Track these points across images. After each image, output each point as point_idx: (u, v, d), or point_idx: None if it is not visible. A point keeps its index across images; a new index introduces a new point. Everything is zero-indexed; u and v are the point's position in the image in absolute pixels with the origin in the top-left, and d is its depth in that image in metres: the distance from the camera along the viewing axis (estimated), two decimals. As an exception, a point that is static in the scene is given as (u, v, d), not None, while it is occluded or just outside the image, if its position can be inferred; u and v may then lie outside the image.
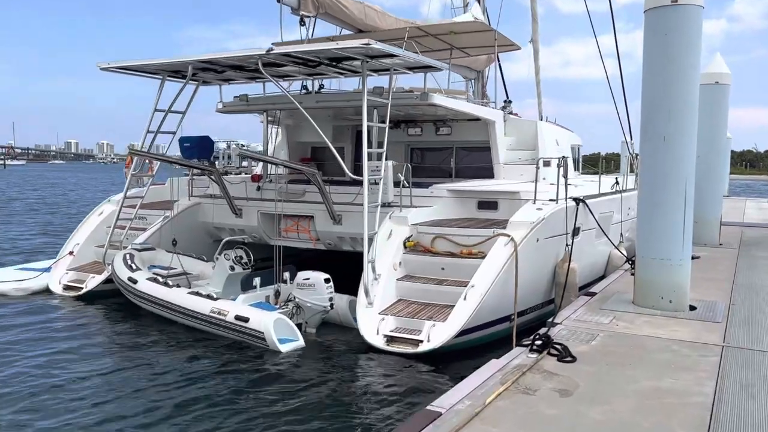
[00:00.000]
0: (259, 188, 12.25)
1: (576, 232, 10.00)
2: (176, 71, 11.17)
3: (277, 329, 8.07)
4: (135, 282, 9.73)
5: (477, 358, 8.09)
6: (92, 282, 11.04)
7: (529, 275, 8.94)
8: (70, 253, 12.04)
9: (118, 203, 12.97)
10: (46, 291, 11.34)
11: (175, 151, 12.36)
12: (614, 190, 12.10)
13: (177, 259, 10.53)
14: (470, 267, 8.60)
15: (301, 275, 8.79)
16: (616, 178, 12.30)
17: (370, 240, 8.91)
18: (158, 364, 7.75)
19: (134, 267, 10.06)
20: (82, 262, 11.89)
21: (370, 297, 8.60)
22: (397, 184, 10.04)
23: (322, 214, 10.72)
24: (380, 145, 9.81)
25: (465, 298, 8.11)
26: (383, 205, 10.25)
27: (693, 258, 12.38)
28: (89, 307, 10.42)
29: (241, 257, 9.95)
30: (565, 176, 9.56)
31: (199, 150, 11.61)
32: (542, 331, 7.09)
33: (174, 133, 11.79)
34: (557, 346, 6.38)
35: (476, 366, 6.74)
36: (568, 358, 6.06)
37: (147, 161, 11.89)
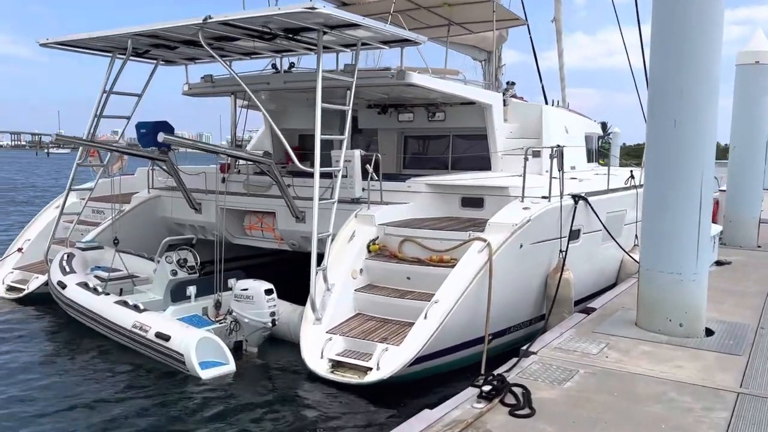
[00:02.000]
0: (224, 180, 10.97)
1: (575, 235, 8.44)
2: (133, 47, 9.94)
3: (200, 351, 6.78)
4: (64, 287, 8.57)
5: (442, 387, 6.71)
6: (34, 283, 9.95)
7: (513, 287, 7.46)
8: (19, 249, 10.99)
9: (78, 195, 11.97)
10: (-14, 291, 10.30)
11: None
12: (628, 184, 10.43)
13: (120, 259, 9.33)
14: (439, 277, 7.15)
15: (239, 284, 7.48)
16: (631, 171, 10.63)
17: (322, 243, 7.54)
18: (61, 387, 6.57)
19: (68, 269, 8.90)
20: (32, 261, 10.81)
21: (318, 312, 7.24)
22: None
23: (284, 210, 9.38)
24: (331, 131, 8.41)
25: (426, 317, 6.69)
26: (352, 201, 8.89)
27: (721, 264, 10.72)
28: (22, 313, 9.33)
29: (185, 260, 8.69)
30: (560, 169, 8.01)
31: (155, 137, 10.36)
32: (504, 367, 5.64)
33: (128, 118, 10.59)
34: (516, 390, 4.93)
35: (436, 399, 5.39)
36: (524, 411, 4.61)
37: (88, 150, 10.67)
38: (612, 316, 7.45)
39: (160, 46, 9.75)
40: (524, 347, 6.28)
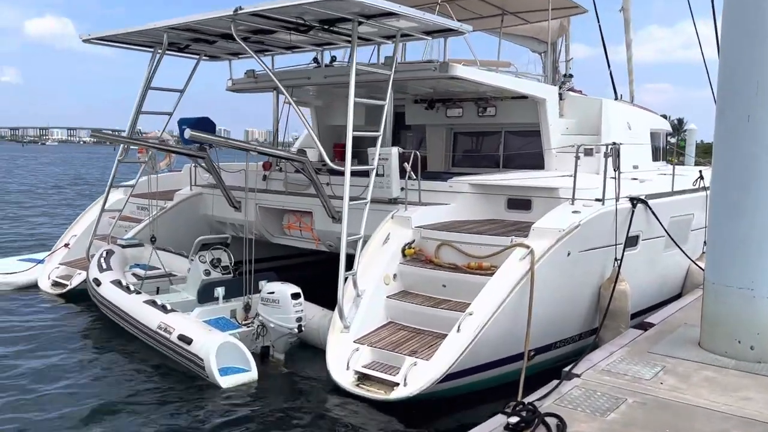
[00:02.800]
0: (265, 177, 10.71)
1: (632, 242, 7.67)
2: (173, 42, 9.80)
3: (221, 356, 6.47)
4: (99, 284, 8.47)
5: (477, 405, 6.18)
6: (77, 279, 9.95)
7: (559, 299, 6.80)
8: (66, 245, 11.07)
9: (125, 192, 11.99)
10: (35, 286, 10.41)
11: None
12: (697, 186, 9.48)
13: (158, 257, 9.19)
14: (477, 285, 6.57)
15: (266, 287, 7.12)
16: (700, 171, 9.66)
17: (353, 246, 7.09)
18: (78, 387, 6.45)
19: (104, 266, 8.81)
20: (77, 256, 10.86)
21: (346, 319, 6.80)
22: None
23: (321, 210, 8.99)
24: (376, 127, 7.93)
25: (458, 330, 6.13)
26: (389, 202, 8.41)
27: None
28: (62, 309, 9.33)
29: (219, 260, 8.43)
30: (616, 168, 7.26)
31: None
32: (541, 392, 5.03)
33: (170, 114, 10.47)
34: (550, 421, 4.34)
35: (468, 420, 4.88)
36: (556, 449, 4.01)
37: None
38: (672, 333, 6.68)
39: (199, 41, 9.54)
40: (567, 368, 5.65)
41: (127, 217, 11.40)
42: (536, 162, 10.39)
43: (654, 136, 12.09)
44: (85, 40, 9.55)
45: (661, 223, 7.93)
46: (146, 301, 7.64)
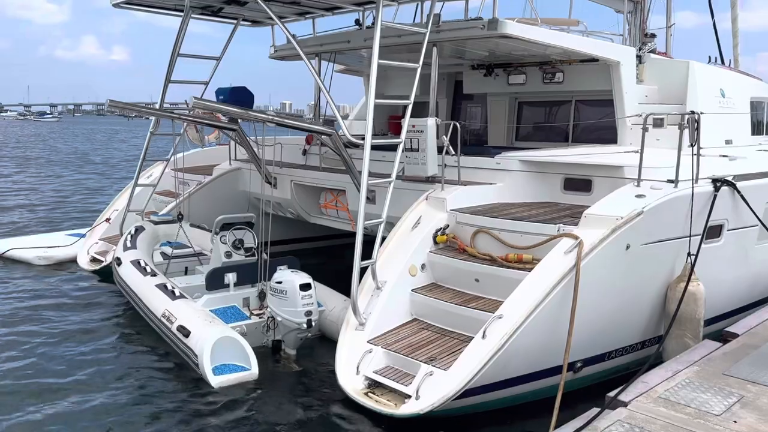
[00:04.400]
0: (305, 152, 9.96)
1: (714, 232, 6.33)
2: (208, 6, 9.16)
3: (218, 352, 5.79)
4: (120, 263, 8.04)
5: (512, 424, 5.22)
6: (111, 255, 9.65)
7: (614, 301, 5.64)
8: (107, 219, 10.82)
9: (170, 165, 11.64)
10: (74, 261, 10.22)
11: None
12: (804, 164, 7.85)
13: (186, 235, 8.69)
14: (513, 282, 5.51)
15: (276, 276, 6.37)
16: None
17: (371, 230, 6.19)
18: (72, 371, 6.03)
19: (129, 245, 8.38)
20: (117, 232, 10.56)
21: (360, 316, 5.94)
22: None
23: (353, 188, 8.13)
24: (415, 94, 6.97)
25: (484, 336, 5.13)
26: (426, 181, 7.43)
27: None
28: (92, 287, 9.02)
29: (241, 241, 7.77)
30: (693, 143, 5.93)
31: (233, 104, 9.55)
32: (576, 423, 4.01)
33: (206, 83, 9.89)
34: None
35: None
36: None
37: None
38: (759, 349, 5.39)
39: (232, 2, 8.84)
40: (613, 392, 4.55)
41: (169, 192, 11.02)
42: (611, 135, 9.04)
43: (756, 105, 10.32)
44: (114, 5, 9.06)
45: (752, 210, 6.50)
46: (158, 285, 7.09)
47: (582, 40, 8.32)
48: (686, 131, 5.99)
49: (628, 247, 5.51)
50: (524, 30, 7.43)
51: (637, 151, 6.97)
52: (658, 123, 6.04)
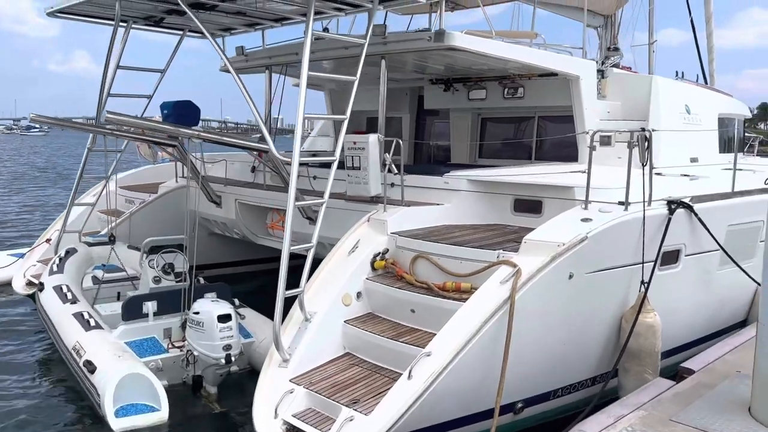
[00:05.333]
0: (253, 169, 9.46)
1: (670, 258, 5.88)
2: (148, 17, 8.70)
3: (123, 391, 5.24)
4: (42, 289, 7.48)
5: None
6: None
7: (560, 334, 5.15)
8: (47, 240, 10.23)
9: (117, 182, 11.12)
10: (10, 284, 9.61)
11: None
12: (768, 185, 7.45)
13: (117, 258, 8.14)
14: (449, 314, 5.02)
15: (194, 305, 5.85)
16: None
17: (295, 256, 5.67)
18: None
19: (55, 269, 7.82)
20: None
21: (284, 351, 5.40)
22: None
23: (295, 209, 7.62)
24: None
25: (410, 376, 4.61)
26: (371, 201, 6.95)
27: None
28: (20, 314, 8.43)
29: (171, 265, 7.23)
30: (644, 163, 5.49)
31: (176, 118, 9.04)
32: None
33: (149, 97, 9.38)
34: None
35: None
36: None
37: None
38: (714, 389, 4.91)
39: (172, 13, 8.37)
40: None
41: (115, 211, 10.47)
42: (575, 153, 8.62)
43: (723, 122, 9.95)
44: (49, 14, 8.56)
45: (711, 234, 6.06)
46: (75, 314, 6.53)
47: (538, 54, 7.90)
48: (643, 149, 5.53)
49: (571, 276, 5.03)
50: (472, 42, 7.01)
51: (581, 172, 6.56)
52: (605, 141, 5.60)
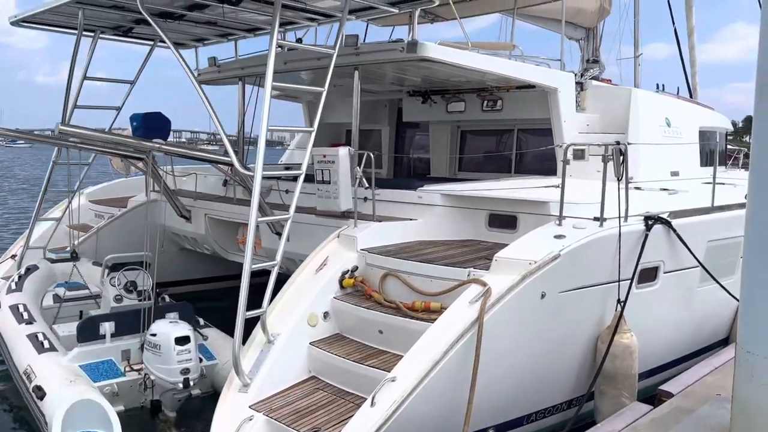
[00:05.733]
0: (225, 183, 9.21)
1: (648, 275, 5.68)
2: (117, 27, 8.46)
3: (73, 418, 4.93)
4: (-1, 308, 7.16)
5: None
6: (8, 297, 8.72)
7: (532, 356, 4.93)
8: (12, 256, 9.88)
9: (87, 196, 10.85)
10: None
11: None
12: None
13: (80, 275, 7.84)
14: (417, 335, 4.78)
15: (152, 327, 5.57)
16: None
17: (257, 274, 5.41)
18: None
19: (14, 287, 7.50)
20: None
21: (244, 375, 5.12)
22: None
23: (264, 224, 7.38)
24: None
25: (372, 403, 4.36)
26: (342, 216, 6.72)
27: None
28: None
29: (133, 283, 6.95)
30: (619, 177, 5.29)
31: (146, 131, 8.78)
32: None
33: (118, 109, 9.10)
34: None
35: None
36: None
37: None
38: (694, 414, 4.69)
39: (140, 22, 8.13)
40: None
41: (86, 226, 10.17)
42: (554, 166, 8.44)
43: (704, 135, 9.83)
44: (12, 23, 8.31)
45: (690, 250, 5.87)
46: (29, 335, 6.22)
47: (515, 66, 7.73)
48: (618, 164, 5.34)
49: (543, 296, 4.81)
50: (446, 53, 6.82)
51: (545, 185, 6.39)
52: (578, 155, 5.41)
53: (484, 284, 4.74)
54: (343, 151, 6.54)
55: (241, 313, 5.13)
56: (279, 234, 7.37)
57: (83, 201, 10.80)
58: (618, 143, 5.36)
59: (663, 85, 10.09)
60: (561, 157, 5.77)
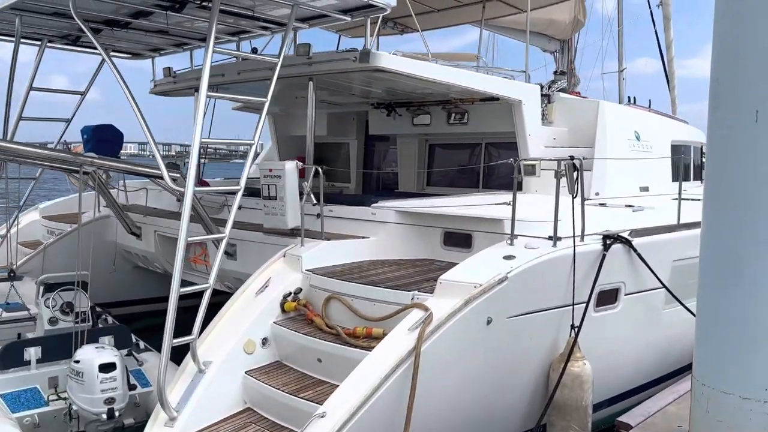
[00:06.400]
0: (179, 199, 8.82)
1: (608, 298, 5.36)
2: (66, 35, 8.12)
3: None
4: (-73, 332, 6.71)
5: None
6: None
7: (476, 389, 4.57)
8: (-45, 277, 9.44)
9: (41, 212, 10.46)
10: None
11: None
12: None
13: (18, 295, 7.42)
14: (355, 364, 4.41)
15: (76, 353, 5.17)
16: None
17: (217, 292, 5.05)
18: None
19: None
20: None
21: (170, 408, 4.72)
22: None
23: (211, 242, 7.02)
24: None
25: (301, 441, 3.99)
26: (291, 234, 6.36)
27: None
28: None
29: (69, 304, 6.54)
30: (574, 194, 4.98)
31: (96, 144, 8.41)
32: None
33: (68, 121, 8.74)
34: None
35: None
36: None
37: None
38: (651, 448, 4.34)
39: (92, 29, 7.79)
40: None
41: (38, 243, 9.75)
42: (520, 182, 8.13)
43: (678, 149, 9.57)
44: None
45: (652, 270, 5.55)
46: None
47: (476, 77, 7.44)
48: (572, 179, 5.04)
49: (489, 322, 4.47)
50: (400, 63, 6.52)
51: (494, 203, 6.09)
52: (529, 170, 5.10)
53: (426, 309, 4.39)
54: (290, 165, 6.20)
55: (167, 340, 4.76)
56: (228, 254, 7.03)
57: (36, 216, 10.42)
58: (572, 158, 5.04)
59: (634, 98, 9.85)
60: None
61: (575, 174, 4.89)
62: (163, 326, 6.01)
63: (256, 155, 8.54)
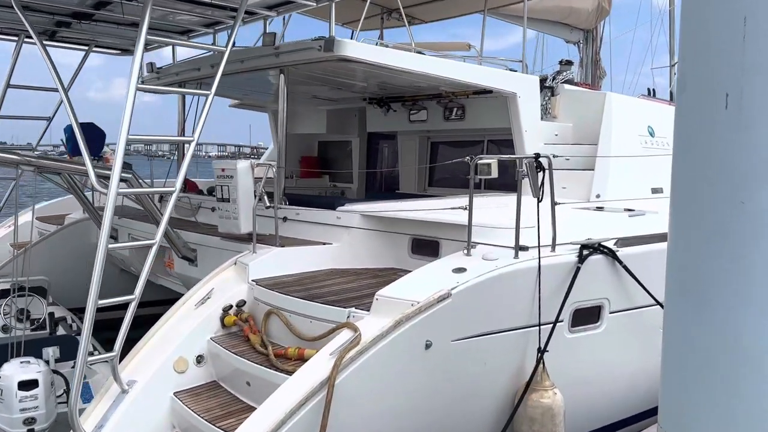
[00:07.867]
0: (161, 199, 8.44)
1: (591, 316, 4.65)
2: (44, 31, 7.83)
3: None
4: None
5: None
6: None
7: (410, 427, 3.93)
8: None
9: (37, 213, 10.26)
10: None
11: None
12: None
13: None
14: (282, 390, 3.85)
15: (1, 368, 4.78)
16: None
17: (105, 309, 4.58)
18: None
19: None
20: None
21: (81, 432, 4.27)
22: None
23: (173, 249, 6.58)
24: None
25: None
26: (248, 239, 5.85)
27: None
28: None
29: (25, 311, 6.21)
30: (538, 195, 4.28)
31: (76, 143, 8.10)
32: None
33: (49, 119, 8.46)
34: None
35: None
36: None
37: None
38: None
39: (61, 25, 7.49)
40: None
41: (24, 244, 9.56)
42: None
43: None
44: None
45: (641, 284, 4.79)
46: None
47: (463, 68, 6.76)
48: (536, 180, 4.35)
49: (429, 346, 3.83)
50: (368, 52, 5.92)
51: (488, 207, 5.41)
52: (484, 171, 4.43)
53: (355, 330, 3.79)
54: (243, 165, 5.68)
55: (81, 358, 4.29)
56: (187, 259, 6.60)
57: (29, 218, 10.26)
58: (538, 155, 4.34)
59: (654, 90, 8.96)
60: (473, 171, 4.80)
61: (540, 174, 4.19)
62: (136, 334, 5.59)
63: (260, 155, 8.02)
